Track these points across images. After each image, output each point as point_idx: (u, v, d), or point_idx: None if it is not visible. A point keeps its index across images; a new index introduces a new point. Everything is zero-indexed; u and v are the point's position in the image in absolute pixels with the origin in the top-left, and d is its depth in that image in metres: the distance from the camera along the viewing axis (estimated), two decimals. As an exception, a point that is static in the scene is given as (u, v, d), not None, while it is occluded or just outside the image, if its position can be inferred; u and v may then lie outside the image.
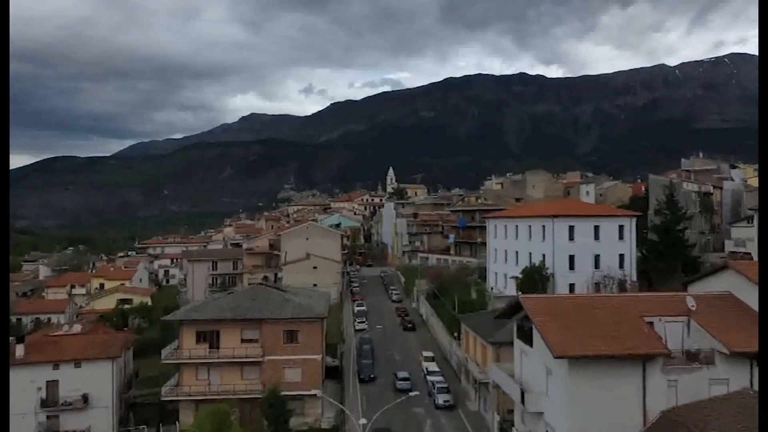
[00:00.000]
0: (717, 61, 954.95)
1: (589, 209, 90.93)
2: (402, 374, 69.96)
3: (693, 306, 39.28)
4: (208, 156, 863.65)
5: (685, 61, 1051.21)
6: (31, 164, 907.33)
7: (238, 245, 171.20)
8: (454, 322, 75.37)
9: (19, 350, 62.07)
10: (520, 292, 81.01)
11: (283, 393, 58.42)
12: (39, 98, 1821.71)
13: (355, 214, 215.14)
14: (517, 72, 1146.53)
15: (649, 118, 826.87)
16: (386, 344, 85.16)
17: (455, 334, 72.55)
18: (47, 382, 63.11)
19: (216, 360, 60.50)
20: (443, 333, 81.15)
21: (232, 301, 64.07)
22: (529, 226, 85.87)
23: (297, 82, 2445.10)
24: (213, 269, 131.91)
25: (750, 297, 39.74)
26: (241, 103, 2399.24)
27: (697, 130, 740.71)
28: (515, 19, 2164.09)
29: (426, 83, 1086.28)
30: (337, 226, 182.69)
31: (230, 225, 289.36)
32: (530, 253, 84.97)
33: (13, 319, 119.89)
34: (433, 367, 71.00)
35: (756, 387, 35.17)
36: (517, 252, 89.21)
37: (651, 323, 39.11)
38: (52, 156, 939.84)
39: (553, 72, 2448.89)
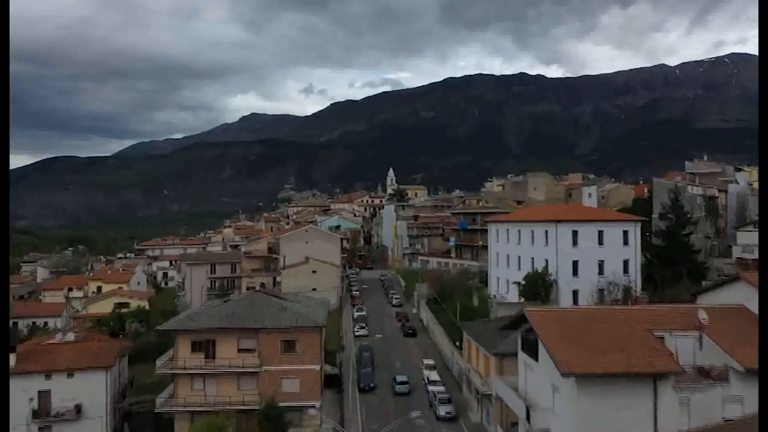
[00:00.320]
0: (717, 61, 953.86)
1: (593, 214, 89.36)
2: (401, 378, 70.24)
3: (705, 320, 37.77)
4: (208, 156, 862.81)
5: (685, 61, 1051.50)
6: (31, 164, 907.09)
7: (237, 247, 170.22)
8: (455, 328, 73.88)
9: (12, 360, 60.50)
10: (522, 299, 79.96)
11: (280, 404, 57.23)
12: (39, 98, 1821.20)
13: (355, 215, 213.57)
14: (517, 72, 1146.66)
15: (649, 118, 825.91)
16: (386, 351, 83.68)
17: (457, 343, 71.02)
18: (39, 392, 61.76)
19: (212, 370, 59.00)
20: (444, 340, 79.66)
21: (229, 309, 62.55)
22: (532, 231, 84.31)
23: (297, 82, 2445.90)
24: (211, 272, 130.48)
25: (764, 310, 38.30)
26: (241, 103, 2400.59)
27: (697, 130, 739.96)
28: (515, 19, 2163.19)
29: (426, 83, 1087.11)
30: (337, 228, 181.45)
31: (229, 226, 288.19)
32: (533, 259, 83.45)
33: (10, 323, 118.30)
34: (434, 375, 69.49)
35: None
36: (519, 257, 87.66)
37: (662, 338, 37.70)
38: (52, 156, 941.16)
39: (553, 72, 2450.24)
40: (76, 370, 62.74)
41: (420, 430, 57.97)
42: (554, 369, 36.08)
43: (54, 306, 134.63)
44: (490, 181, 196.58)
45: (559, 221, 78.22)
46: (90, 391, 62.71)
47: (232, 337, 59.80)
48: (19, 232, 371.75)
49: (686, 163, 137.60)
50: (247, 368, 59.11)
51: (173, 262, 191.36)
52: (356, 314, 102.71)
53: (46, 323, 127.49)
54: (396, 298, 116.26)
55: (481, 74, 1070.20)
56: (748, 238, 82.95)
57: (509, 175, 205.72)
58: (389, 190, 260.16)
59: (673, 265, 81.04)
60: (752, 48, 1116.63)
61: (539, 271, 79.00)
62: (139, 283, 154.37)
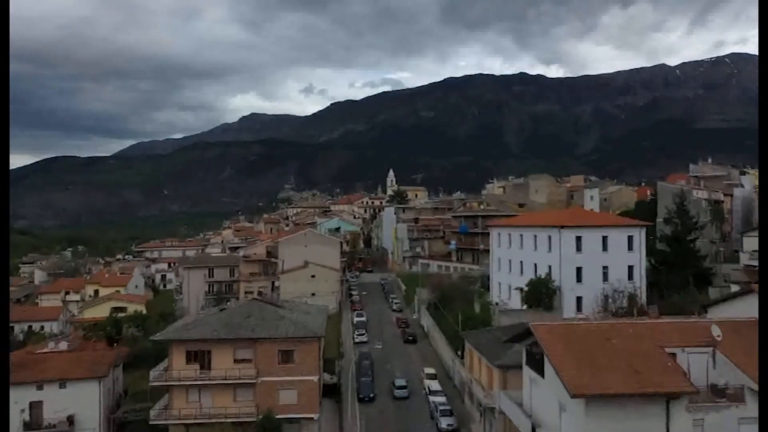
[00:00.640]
0: (717, 61, 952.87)
1: (597, 219, 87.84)
2: (399, 382, 70.17)
3: (719, 336, 36.30)
4: (208, 156, 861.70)
5: (686, 61, 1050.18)
6: (31, 164, 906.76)
7: (236, 249, 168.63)
8: (456, 335, 72.30)
9: (2, 370, 59.04)
10: (525, 305, 78.49)
11: (277, 416, 55.84)
12: (39, 98, 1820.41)
13: (354, 217, 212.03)
14: (518, 72, 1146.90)
15: (649, 118, 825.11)
16: (386, 358, 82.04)
17: (458, 352, 69.44)
18: (31, 403, 60.35)
19: (207, 382, 57.42)
20: (445, 348, 78.04)
21: (225, 318, 60.98)
22: (535, 236, 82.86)
23: (297, 82, 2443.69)
24: (209, 276, 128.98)
25: (781, 326, 36.75)
26: (242, 103, 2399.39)
27: (697, 130, 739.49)
28: (515, 19, 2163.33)
29: (426, 83, 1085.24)
30: (337, 230, 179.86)
31: (229, 227, 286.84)
32: (535, 264, 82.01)
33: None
34: (435, 385, 67.88)
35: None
36: (521, 262, 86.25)
37: (673, 354, 36.21)
38: (52, 156, 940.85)
39: (554, 72, 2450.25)
40: (69, 381, 61.28)
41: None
42: (561, 386, 34.61)
43: (50, 310, 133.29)
44: (491, 182, 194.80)
45: (562, 226, 76.59)
46: (83, 402, 61.25)
47: (229, 347, 58.25)
48: (18, 232, 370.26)
49: (690, 166, 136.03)
50: (244, 379, 57.54)
51: (171, 265, 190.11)
52: (356, 320, 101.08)
53: (42, 327, 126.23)
54: (396, 303, 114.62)
55: (481, 74, 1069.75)
56: (756, 243, 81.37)
57: (510, 177, 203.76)
58: (389, 192, 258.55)
59: (679, 271, 79.56)
60: (752, 48, 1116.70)
61: (542, 277, 77.48)
62: (137, 287, 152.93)
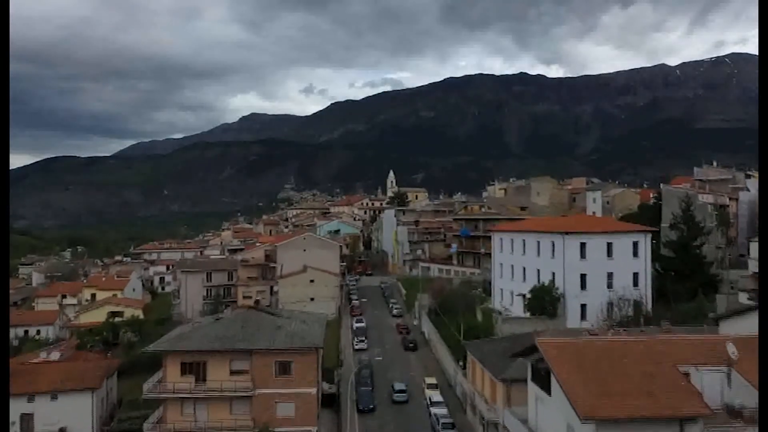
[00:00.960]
0: (717, 61, 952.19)
1: (602, 224, 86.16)
2: (399, 386, 70.02)
3: (735, 354, 34.68)
4: (208, 156, 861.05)
5: (686, 61, 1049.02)
6: (31, 164, 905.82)
7: (235, 251, 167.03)
8: (458, 344, 70.69)
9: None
10: (528, 313, 76.95)
11: (275, 430, 54.36)
12: (39, 98, 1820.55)
13: (354, 219, 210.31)
14: (518, 72, 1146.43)
15: (649, 118, 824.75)
16: (386, 367, 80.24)
17: (460, 362, 67.77)
18: (22, 415, 58.85)
19: (202, 394, 55.79)
20: (447, 356, 76.32)
21: (220, 328, 59.34)
22: (538, 242, 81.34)
23: (297, 81, 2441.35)
24: (207, 281, 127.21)
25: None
26: (242, 103, 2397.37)
27: (697, 130, 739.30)
28: (516, 19, 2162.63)
29: (426, 83, 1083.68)
30: (336, 232, 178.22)
31: (228, 229, 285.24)
32: (538, 271, 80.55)
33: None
34: (436, 396, 66.14)
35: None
36: (524, 268, 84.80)
37: (687, 374, 34.59)
38: (52, 156, 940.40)
39: (554, 72, 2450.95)
40: (61, 392, 59.78)
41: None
42: (569, 406, 33.02)
43: (46, 314, 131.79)
44: (492, 184, 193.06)
45: (566, 233, 75.01)
46: (75, 414, 59.92)
47: (224, 358, 56.62)
48: (18, 232, 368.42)
49: (695, 169, 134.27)
50: (240, 392, 55.89)
51: (170, 267, 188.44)
52: (356, 326, 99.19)
53: (38, 332, 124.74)
54: (396, 309, 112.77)
55: (481, 74, 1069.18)
56: (763, 249, 79.87)
57: (511, 179, 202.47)
58: (389, 193, 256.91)
59: (685, 278, 78.04)
60: (753, 48, 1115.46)
61: (545, 284, 76.01)
62: (134, 290, 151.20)
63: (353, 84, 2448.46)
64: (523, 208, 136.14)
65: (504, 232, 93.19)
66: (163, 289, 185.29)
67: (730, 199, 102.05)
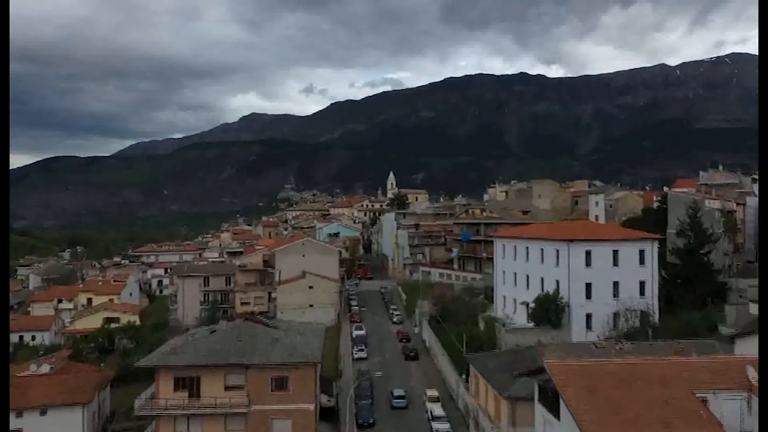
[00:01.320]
0: (718, 61, 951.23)
1: (607, 231, 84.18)
2: (398, 392, 70.55)
3: (755, 379, 32.75)
4: (208, 156, 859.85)
5: (686, 60, 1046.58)
6: (31, 164, 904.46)
7: (234, 253, 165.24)
8: (460, 356, 68.74)
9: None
10: (532, 322, 75.07)
11: (271, 448, 52.59)
12: (40, 98, 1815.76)
13: (354, 222, 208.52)
14: (518, 72, 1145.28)
15: (649, 118, 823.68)
16: (386, 377, 78.02)
17: (463, 375, 65.82)
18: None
19: (196, 411, 53.92)
20: (448, 367, 74.41)
21: (215, 342, 57.44)
22: (542, 249, 79.33)
23: (297, 81, 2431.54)
24: (205, 285, 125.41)
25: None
26: (242, 103, 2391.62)
27: (697, 130, 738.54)
28: (516, 19, 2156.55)
29: (426, 83, 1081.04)
30: (336, 235, 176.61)
31: (227, 230, 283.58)
32: (542, 279, 78.58)
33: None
34: (438, 410, 64.20)
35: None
36: (527, 275, 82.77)
37: (705, 400, 32.69)
38: (52, 156, 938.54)
39: (554, 72, 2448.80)
40: (51, 407, 57.95)
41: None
42: (580, 434, 31.18)
43: (42, 320, 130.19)
44: (493, 186, 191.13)
45: (571, 240, 73.04)
46: (65, 430, 57.94)
47: (219, 373, 54.78)
48: (18, 232, 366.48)
49: (701, 173, 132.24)
50: (235, 408, 54.04)
51: (168, 270, 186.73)
52: (355, 333, 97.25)
53: (33, 337, 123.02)
54: (397, 315, 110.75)
55: (481, 74, 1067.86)
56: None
57: (512, 181, 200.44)
58: (389, 195, 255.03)
59: (693, 286, 76.17)
60: (753, 48, 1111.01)
61: (550, 293, 74.09)
62: (131, 294, 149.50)
63: (353, 84, 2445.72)
64: (525, 212, 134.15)
65: (507, 238, 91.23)
66: (161, 292, 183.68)
67: (737, 204, 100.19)
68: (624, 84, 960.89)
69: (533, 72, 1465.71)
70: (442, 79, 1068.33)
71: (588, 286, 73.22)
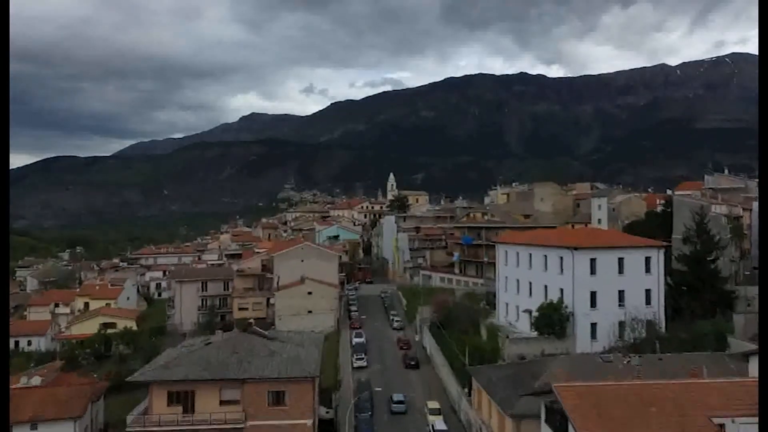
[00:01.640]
0: (718, 61, 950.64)
1: (612, 238, 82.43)
2: (397, 397, 70.26)
3: (774, 404, 31.13)
4: (208, 156, 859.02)
5: (686, 60, 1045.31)
6: (31, 164, 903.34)
7: (233, 256, 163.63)
8: (462, 367, 67.02)
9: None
10: (535, 331, 73.38)
11: (268, 465, 50.99)
12: (40, 98, 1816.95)
13: (354, 224, 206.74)
14: (518, 72, 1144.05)
15: (649, 118, 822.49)
16: (387, 386, 76.35)
17: (465, 388, 64.11)
18: (-1, 446, 55.31)
19: (190, 426, 52.31)
20: (450, 377, 72.67)
21: (210, 355, 55.85)
22: (545, 256, 77.65)
23: (298, 81, 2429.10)
24: (203, 290, 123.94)
25: None
26: (242, 103, 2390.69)
27: (698, 130, 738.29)
28: (516, 19, 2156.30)
29: (427, 83, 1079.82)
30: (336, 237, 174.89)
31: (226, 232, 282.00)
32: (546, 286, 76.87)
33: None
34: (439, 423, 62.33)
35: None
36: (530, 283, 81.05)
37: (722, 425, 31.12)
38: (52, 156, 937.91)
39: (554, 72, 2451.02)
40: (41, 422, 56.30)
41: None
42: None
43: (38, 324, 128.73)
44: (494, 189, 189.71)
45: (575, 248, 71.32)
46: (57, 444, 56.37)
47: (214, 387, 53.21)
48: (18, 233, 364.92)
49: (706, 177, 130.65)
50: (230, 423, 52.49)
51: (166, 273, 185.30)
52: (355, 341, 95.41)
53: (29, 342, 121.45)
54: (397, 321, 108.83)
55: (481, 74, 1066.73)
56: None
57: (514, 183, 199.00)
58: (389, 196, 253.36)
59: (699, 294, 74.52)
60: (753, 48, 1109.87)
61: (553, 301, 72.41)
62: (128, 298, 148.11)
63: (353, 84, 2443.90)
64: (527, 216, 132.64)
65: (509, 244, 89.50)
66: (159, 295, 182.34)
67: (743, 209, 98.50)
68: (624, 84, 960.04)
69: (533, 72, 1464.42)
70: (442, 79, 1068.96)
71: (593, 294, 71.55)
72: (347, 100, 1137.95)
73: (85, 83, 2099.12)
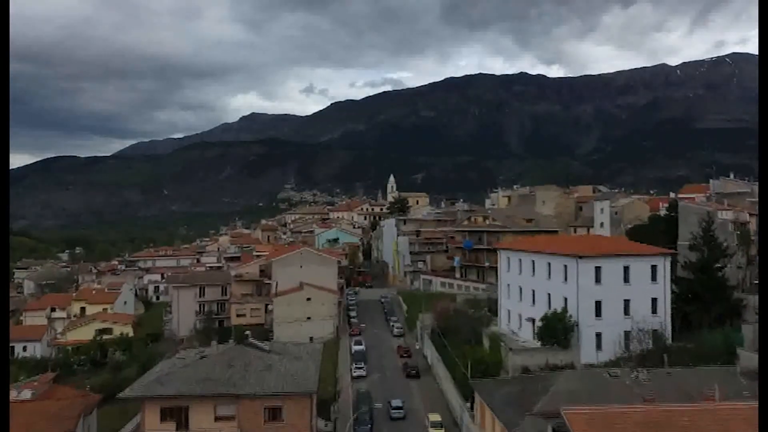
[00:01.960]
0: (718, 61, 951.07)
1: (617, 246, 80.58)
2: (396, 403, 69.96)
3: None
4: (208, 156, 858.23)
5: (687, 60, 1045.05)
6: (31, 164, 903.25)
7: (232, 258, 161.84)
8: (464, 378, 65.30)
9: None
10: (539, 341, 71.72)
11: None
12: (40, 98, 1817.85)
13: (354, 227, 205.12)
14: (518, 72, 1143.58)
15: (650, 118, 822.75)
16: (387, 397, 74.66)
17: (468, 402, 62.37)
18: (-13, 463, 53.52)
19: (184, 444, 50.68)
20: (451, 388, 70.91)
21: (205, 369, 54.12)
22: (549, 264, 75.93)
23: (298, 81, 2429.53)
24: (200, 295, 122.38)
25: None
26: (242, 103, 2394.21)
27: (698, 130, 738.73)
28: (516, 19, 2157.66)
29: (427, 83, 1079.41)
30: (335, 240, 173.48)
31: (225, 234, 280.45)
32: (549, 295, 75.22)
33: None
34: (441, 437, 60.98)
35: None
36: (533, 291, 79.34)
37: (741, 456, 29.49)
38: (52, 156, 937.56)
39: (554, 72, 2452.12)
40: (30, 438, 54.42)
41: None
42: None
43: (34, 329, 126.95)
44: (495, 191, 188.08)
45: (580, 257, 69.59)
46: (47, 461, 54.46)
47: (209, 403, 51.48)
48: (17, 233, 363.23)
49: (711, 181, 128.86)
50: (226, 440, 50.82)
51: (164, 276, 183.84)
52: (354, 349, 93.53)
53: (25, 348, 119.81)
54: (397, 328, 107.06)
55: (482, 74, 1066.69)
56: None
57: (515, 186, 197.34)
58: (389, 198, 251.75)
59: (706, 303, 72.83)
60: (753, 48, 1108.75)
61: (557, 310, 70.72)
62: (125, 303, 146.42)
63: (354, 84, 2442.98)
64: (528, 220, 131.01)
65: (512, 251, 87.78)
66: (157, 298, 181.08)
67: (750, 214, 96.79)
68: (624, 84, 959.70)
69: (533, 72, 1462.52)
70: (442, 79, 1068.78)
71: (598, 303, 69.80)
72: (347, 100, 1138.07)
73: (85, 83, 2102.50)
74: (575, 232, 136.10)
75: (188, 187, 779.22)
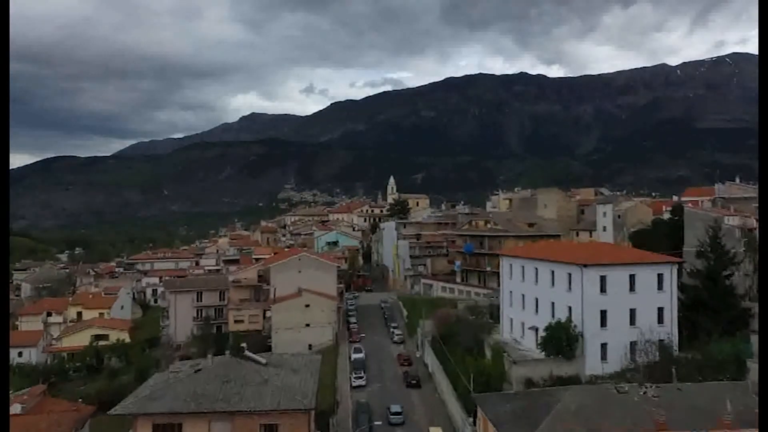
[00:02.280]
0: (718, 61, 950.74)
1: (622, 254, 78.78)
2: (395, 408, 70.21)
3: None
4: (208, 156, 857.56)
5: (687, 60, 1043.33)
6: (31, 164, 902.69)
7: (231, 261, 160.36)
8: (466, 389, 63.66)
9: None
10: (543, 352, 70.06)
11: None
12: (40, 98, 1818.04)
13: (354, 229, 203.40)
14: (518, 72, 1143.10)
15: (650, 118, 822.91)
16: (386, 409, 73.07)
17: (470, 417, 60.69)
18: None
19: (177, 462, 48.97)
20: (453, 400, 69.24)
21: (199, 383, 52.30)
22: (552, 272, 74.18)
23: (298, 81, 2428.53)
24: (198, 300, 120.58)
25: None
26: (242, 103, 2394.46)
27: (698, 130, 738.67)
28: (517, 19, 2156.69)
29: (427, 83, 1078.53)
30: (335, 243, 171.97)
31: (224, 235, 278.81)
32: (553, 303, 73.49)
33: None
34: (443, 453, 59.42)
35: None
36: (536, 299, 77.59)
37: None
38: (52, 156, 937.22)
39: (555, 72, 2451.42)
40: (20, 454, 52.93)
41: None
42: None
43: (29, 335, 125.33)
44: (496, 194, 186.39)
45: (585, 265, 67.83)
46: (37, 478, 53.04)
47: (203, 420, 49.71)
48: (17, 233, 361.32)
49: (717, 186, 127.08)
50: (220, 459, 49.10)
51: (162, 278, 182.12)
52: (354, 357, 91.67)
53: (20, 353, 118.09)
54: (398, 335, 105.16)
55: (482, 74, 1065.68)
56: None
57: (516, 188, 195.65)
58: (389, 199, 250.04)
59: (713, 312, 71.13)
60: (753, 48, 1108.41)
61: (561, 320, 69.05)
62: (122, 307, 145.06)
63: (354, 84, 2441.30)
64: (530, 224, 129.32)
65: (514, 257, 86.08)
66: (155, 301, 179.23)
67: (756, 220, 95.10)
68: (624, 84, 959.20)
69: (534, 72, 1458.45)
70: (442, 79, 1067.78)
71: (603, 313, 68.06)
72: (347, 100, 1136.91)
73: (85, 83, 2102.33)
74: (577, 236, 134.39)
75: (188, 187, 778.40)
